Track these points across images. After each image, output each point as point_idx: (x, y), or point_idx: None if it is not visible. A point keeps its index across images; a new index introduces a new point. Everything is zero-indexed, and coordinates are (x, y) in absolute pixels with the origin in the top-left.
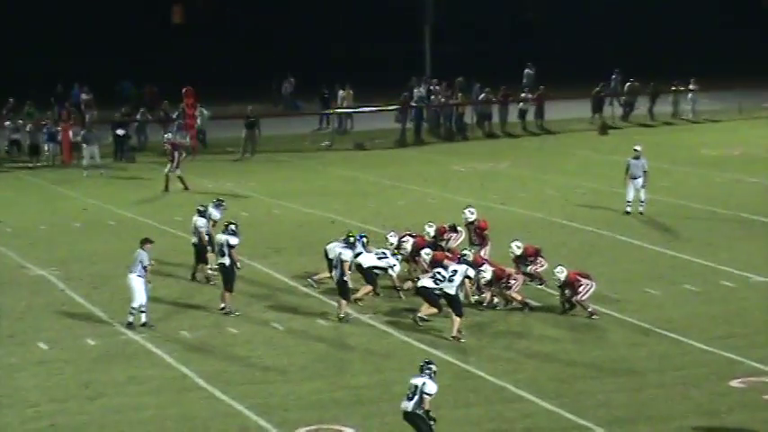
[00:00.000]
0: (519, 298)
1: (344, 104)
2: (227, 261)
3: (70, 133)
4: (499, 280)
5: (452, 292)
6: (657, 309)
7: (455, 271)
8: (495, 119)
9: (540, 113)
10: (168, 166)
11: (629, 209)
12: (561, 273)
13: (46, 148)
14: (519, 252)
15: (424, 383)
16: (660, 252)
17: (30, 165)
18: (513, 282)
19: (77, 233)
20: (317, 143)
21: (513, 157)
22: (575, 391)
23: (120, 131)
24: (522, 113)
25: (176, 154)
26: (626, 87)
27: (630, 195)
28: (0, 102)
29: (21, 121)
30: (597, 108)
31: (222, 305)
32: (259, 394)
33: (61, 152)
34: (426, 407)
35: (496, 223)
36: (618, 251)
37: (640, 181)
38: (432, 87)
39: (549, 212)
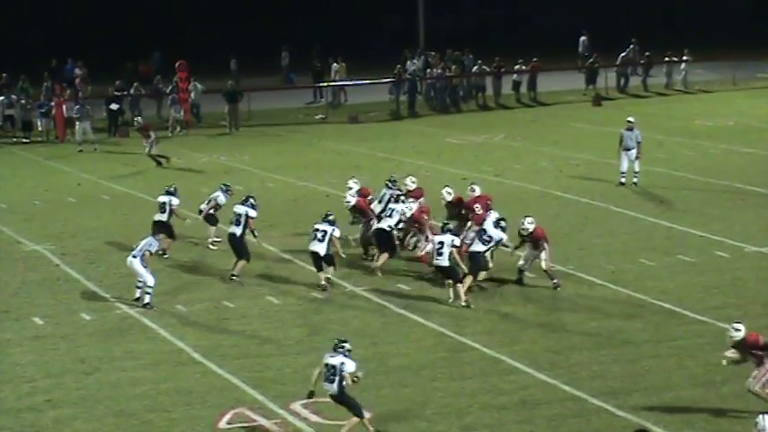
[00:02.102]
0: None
1: (337, 77)
2: (238, 231)
3: (64, 108)
4: None
5: (445, 263)
6: (652, 280)
7: (441, 243)
8: (489, 91)
9: (532, 85)
10: (147, 147)
11: (623, 180)
12: (531, 225)
13: (39, 123)
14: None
15: (342, 363)
16: (655, 223)
17: (24, 140)
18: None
19: (72, 208)
20: (311, 116)
21: (507, 130)
22: (570, 362)
23: (113, 106)
24: (516, 85)
25: (152, 134)
26: (619, 58)
27: (624, 167)
28: None
29: (14, 97)
30: (591, 79)
31: (235, 274)
32: (254, 368)
33: (55, 127)
34: (349, 382)
35: (490, 195)
36: (612, 222)
37: (634, 152)
38: (429, 60)
39: (543, 184)
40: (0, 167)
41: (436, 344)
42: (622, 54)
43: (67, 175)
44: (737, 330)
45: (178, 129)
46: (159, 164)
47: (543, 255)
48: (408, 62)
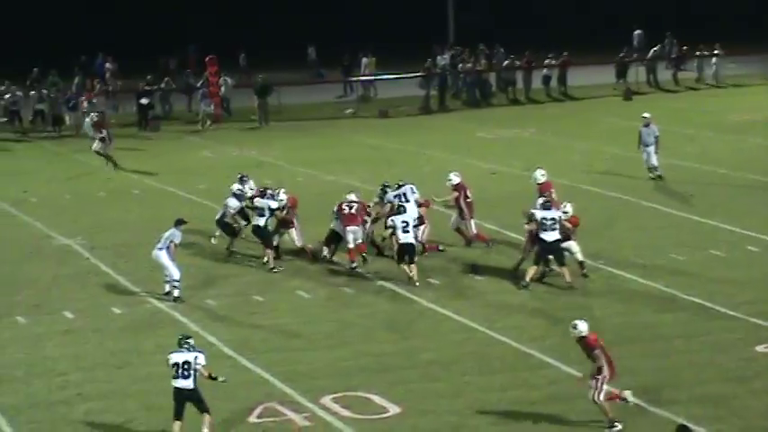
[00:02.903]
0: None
1: (367, 72)
2: (262, 222)
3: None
4: None
5: (411, 241)
6: (683, 274)
7: (406, 222)
8: (519, 85)
9: (563, 79)
10: (98, 143)
11: (651, 175)
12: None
13: (68, 117)
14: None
15: (196, 357)
16: (685, 218)
17: (54, 134)
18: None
19: (102, 202)
20: (341, 111)
21: (537, 124)
22: None
23: (143, 100)
24: (546, 79)
25: (105, 131)
26: (650, 52)
27: (648, 162)
28: (24, 71)
29: (44, 91)
30: (621, 74)
31: (271, 264)
32: (285, 362)
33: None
34: (205, 374)
35: (521, 189)
36: (643, 217)
37: (653, 148)
38: (460, 56)
39: (573, 179)
40: (30, 162)
41: (466, 338)
42: (655, 48)
43: (98, 169)
44: (575, 328)
45: (208, 123)
46: (114, 163)
47: (575, 245)
48: (438, 56)
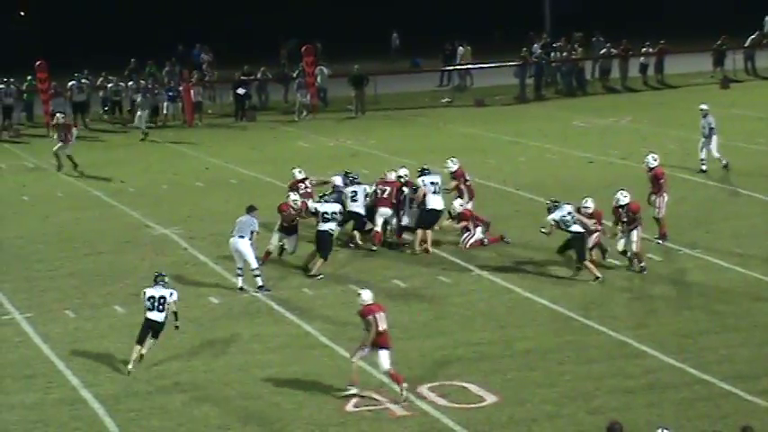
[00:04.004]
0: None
1: (463, 61)
2: (326, 227)
3: (192, 93)
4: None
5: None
6: None
7: (355, 192)
8: (615, 74)
9: (660, 67)
10: (59, 146)
11: (703, 167)
12: (626, 198)
13: (166, 108)
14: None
15: (171, 293)
16: None
17: (151, 125)
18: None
19: (199, 192)
20: (437, 100)
21: (633, 112)
22: (698, 346)
23: (240, 90)
24: (644, 68)
25: (72, 134)
26: (748, 41)
27: (703, 154)
28: (121, 63)
29: (142, 82)
30: (719, 62)
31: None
32: None
33: (183, 112)
34: (174, 310)
35: (618, 178)
36: (740, 205)
37: (714, 138)
38: (555, 44)
39: (670, 167)
40: (128, 152)
41: (563, 327)
42: (752, 36)
43: (194, 159)
44: (359, 296)
45: (304, 113)
46: (65, 165)
47: (635, 234)
48: (534, 45)
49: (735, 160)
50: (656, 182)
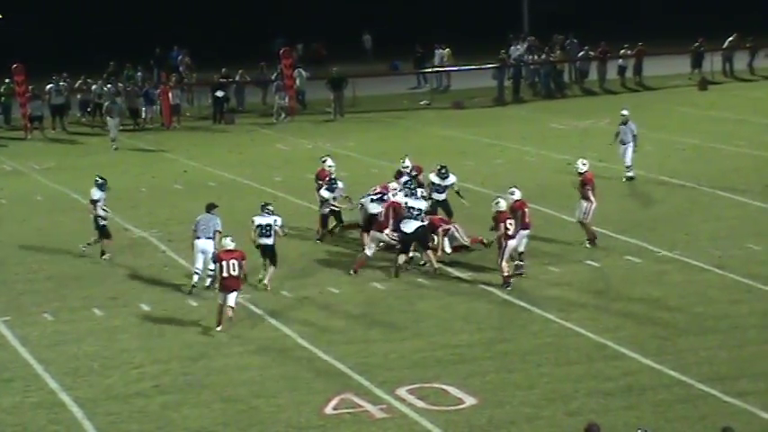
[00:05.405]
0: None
1: (444, 63)
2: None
3: (170, 96)
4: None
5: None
6: (760, 264)
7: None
8: (593, 76)
9: (638, 69)
10: None
11: (629, 173)
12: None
13: (144, 111)
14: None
15: (275, 220)
16: (762, 207)
17: (129, 127)
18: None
19: (178, 195)
20: (416, 102)
21: (612, 114)
22: (676, 348)
23: (218, 93)
24: (622, 70)
25: None
26: (726, 43)
27: (628, 160)
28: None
29: (120, 85)
30: (697, 63)
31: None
32: (360, 354)
33: (161, 114)
34: (281, 234)
35: (596, 181)
36: (719, 207)
37: (631, 146)
38: (532, 46)
39: (648, 169)
40: (106, 155)
41: (541, 329)
42: (730, 38)
43: (173, 162)
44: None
45: (283, 115)
46: None
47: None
48: (512, 47)
49: (713, 162)
50: (583, 187)
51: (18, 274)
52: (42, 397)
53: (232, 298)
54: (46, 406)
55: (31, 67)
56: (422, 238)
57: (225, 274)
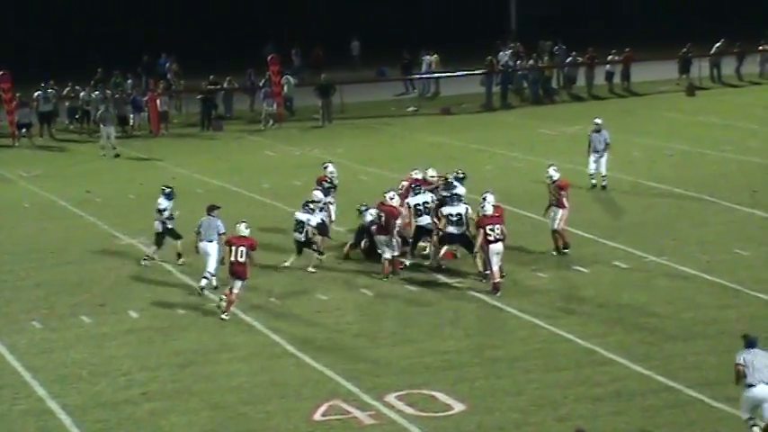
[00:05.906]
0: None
1: (433, 69)
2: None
3: (158, 102)
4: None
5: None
6: (747, 270)
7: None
8: (581, 82)
9: (626, 75)
10: None
11: (593, 181)
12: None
13: (132, 118)
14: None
15: (308, 219)
16: (749, 213)
17: (118, 135)
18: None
19: None
20: (404, 108)
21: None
22: (664, 353)
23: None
24: (609, 75)
25: None
26: (713, 48)
27: (593, 169)
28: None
29: (108, 92)
30: (684, 69)
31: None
32: (349, 360)
33: (149, 122)
34: (310, 235)
35: (583, 185)
36: (706, 213)
37: (604, 155)
38: (519, 52)
39: (636, 175)
40: (94, 162)
41: (530, 335)
42: (717, 44)
43: (161, 169)
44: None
45: (271, 122)
46: None
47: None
48: (501, 53)
49: (700, 167)
50: (559, 193)
51: (6, 281)
52: (31, 404)
53: (237, 286)
54: (34, 413)
55: (18, 75)
56: (465, 242)
57: (232, 259)
